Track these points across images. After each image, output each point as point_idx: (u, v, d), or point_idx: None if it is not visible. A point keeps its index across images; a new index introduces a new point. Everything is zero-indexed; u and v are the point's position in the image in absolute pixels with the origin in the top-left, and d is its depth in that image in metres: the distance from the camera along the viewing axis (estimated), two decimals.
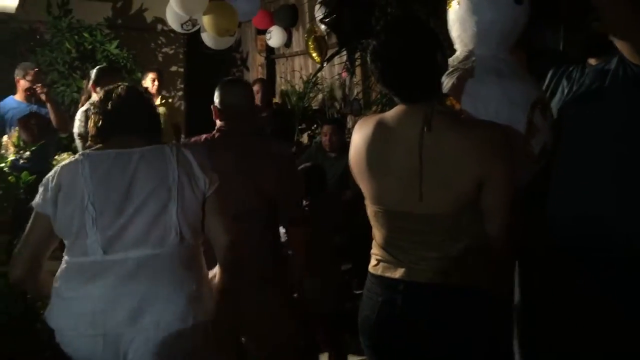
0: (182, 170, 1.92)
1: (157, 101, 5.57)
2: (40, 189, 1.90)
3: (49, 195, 1.87)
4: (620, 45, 1.87)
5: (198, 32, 5.27)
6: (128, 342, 1.84)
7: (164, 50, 7.82)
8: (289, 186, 2.53)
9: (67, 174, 1.88)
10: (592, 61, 2.03)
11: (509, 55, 1.94)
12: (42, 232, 1.90)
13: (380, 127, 1.74)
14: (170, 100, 6.30)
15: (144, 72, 5.97)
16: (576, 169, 1.96)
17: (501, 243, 1.70)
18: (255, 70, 7.98)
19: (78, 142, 4.23)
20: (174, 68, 7.87)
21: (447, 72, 1.89)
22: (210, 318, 1.94)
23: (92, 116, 1.98)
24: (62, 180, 1.88)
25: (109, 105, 1.95)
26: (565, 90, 2.05)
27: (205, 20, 4.73)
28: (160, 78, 5.75)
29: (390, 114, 1.75)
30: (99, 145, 1.95)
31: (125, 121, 1.96)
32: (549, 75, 2.15)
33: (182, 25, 4.93)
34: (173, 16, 4.89)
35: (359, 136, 1.79)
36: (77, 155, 1.94)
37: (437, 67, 1.70)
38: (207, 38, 5.11)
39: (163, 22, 7.02)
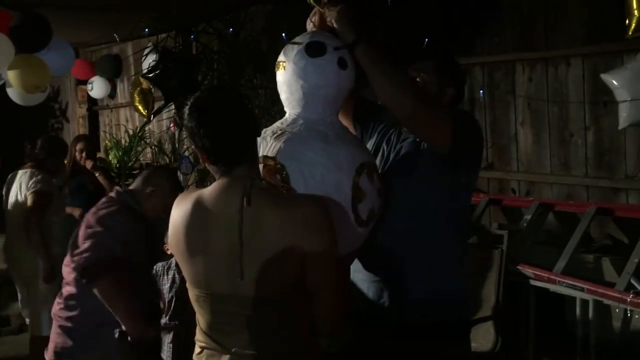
0: None
1: None
2: None
3: None
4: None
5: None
6: None
7: None
8: None
9: None
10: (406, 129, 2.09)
11: (335, 118, 1.95)
12: None
13: (198, 206, 1.64)
14: None
15: None
16: (380, 234, 2.01)
17: (327, 324, 1.68)
18: (76, 122, 7.50)
19: None
20: None
21: (276, 134, 1.85)
22: None
23: None
24: None
25: None
26: (385, 155, 2.10)
27: (11, 76, 4.26)
28: None
29: (209, 190, 1.66)
30: None
31: None
32: (374, 136, 2.19)
33: None
34: None
35: (177, 214, 1.68)
36: None
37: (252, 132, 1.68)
38: (14, 94, 4.62)
39: None
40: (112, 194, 2.62)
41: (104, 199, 2.62)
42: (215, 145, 1.62)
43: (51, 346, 2.58)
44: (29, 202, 3.94)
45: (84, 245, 2.39)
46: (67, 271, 2.55)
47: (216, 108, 1.65)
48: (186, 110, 1.65)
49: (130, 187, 2.68)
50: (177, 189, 2.60)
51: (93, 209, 2.57)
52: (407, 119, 1.92)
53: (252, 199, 1.59)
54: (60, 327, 2.56)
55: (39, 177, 4.02)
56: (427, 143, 1.96)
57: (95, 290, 2.37)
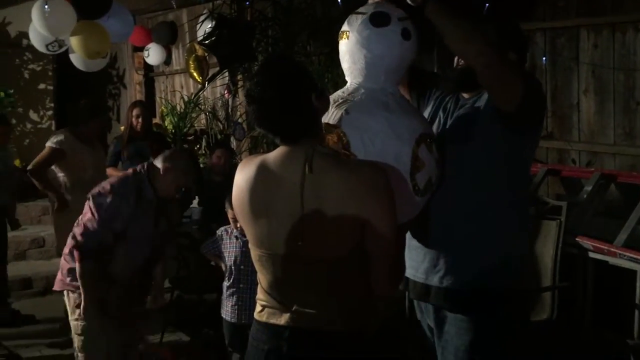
0: None
1: None
2: None
3: None
4: (487, 90, 1.94)
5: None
6: None
7: (30, 66, 7.29)
8: None
9: None
10: (465, 94, 2.07)
11: (396, 89, 1.94)
12: None
13: (262, 170, 1.69)
14: None
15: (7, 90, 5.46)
16: (436, 202, 1.99)
17: (384, 288, 1.71)
18: (133, 89, 7.65)
19: None
20: (42, 86, 7.36)
21: (337, 103, 1.86)
22: None
23: None
24: None
25: None
26: (442, 122, 2.09)
27: (74, 42, 4.39)
28: None
29: (273, 155, 1.71)
30: None
31: None
32: (430, 104, 2.17)
33: (47, 46, 4.57)
34: (37, 36, 4.52)
35: (242, 178, 1.73)
36: None
37: (312, 108, 1.66)
38: (76, 60, 4.74)
39: (29, 37, 6.56)
40: (134, 170, 2.88)
41: (122, 176, 2.92)
42: (276, 126, 1.65)
43: (59, 275, 2.89)
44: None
45: (80, 225, 2.76)
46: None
47: (282, 67, 1.67)
48: (251, 78, 1.67)
49: (153, 162, 2.91)
50: (193, 172, 2.93)
51: (103, 183, 2.85)
52: (485, 69, 1.86)
53: (315, 164, 1.62)
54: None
55: (57, 135, 4.31)
56: (497, 96, 1.91)
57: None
